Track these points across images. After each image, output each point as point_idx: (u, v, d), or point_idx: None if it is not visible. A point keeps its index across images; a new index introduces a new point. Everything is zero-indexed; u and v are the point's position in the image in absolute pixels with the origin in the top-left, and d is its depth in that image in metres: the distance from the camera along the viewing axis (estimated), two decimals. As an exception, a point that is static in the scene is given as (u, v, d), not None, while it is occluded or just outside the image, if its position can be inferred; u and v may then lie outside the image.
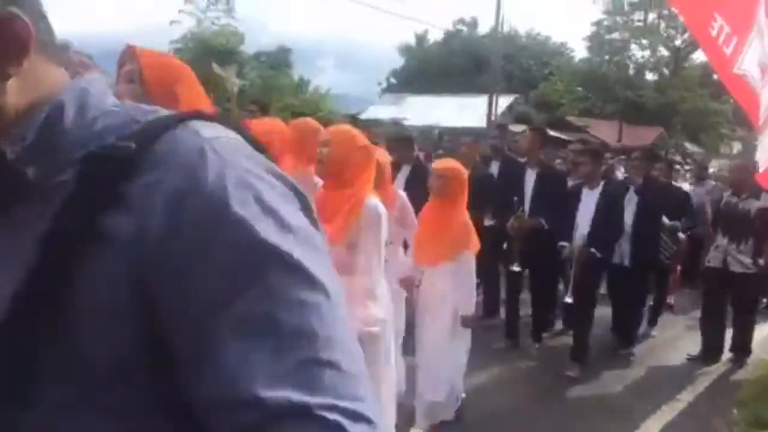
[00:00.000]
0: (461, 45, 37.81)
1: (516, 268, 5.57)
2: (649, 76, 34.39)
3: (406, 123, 16.87)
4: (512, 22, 39.90)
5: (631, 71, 33.50)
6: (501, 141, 7.02)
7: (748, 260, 5.56)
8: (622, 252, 5.70)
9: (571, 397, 4.85)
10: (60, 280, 0.59)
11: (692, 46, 30.28)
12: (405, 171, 5.80)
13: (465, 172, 3.88)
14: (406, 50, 40.40)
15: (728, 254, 5.63)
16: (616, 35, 33.78)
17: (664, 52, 34.22)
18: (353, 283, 2.69)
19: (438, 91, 29.48)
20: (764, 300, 7.39)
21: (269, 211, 0.62)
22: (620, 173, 8.61)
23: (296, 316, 0.59)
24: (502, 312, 6.15)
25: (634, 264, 5.74)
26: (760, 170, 4.00)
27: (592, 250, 5.07)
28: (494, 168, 6.48)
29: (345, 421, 0.57)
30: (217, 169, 0.61)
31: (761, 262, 5.50)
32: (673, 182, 7.64)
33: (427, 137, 9.13)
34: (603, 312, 5.87)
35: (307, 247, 0.63)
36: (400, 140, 6.25)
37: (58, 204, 0.60)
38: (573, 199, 5.39)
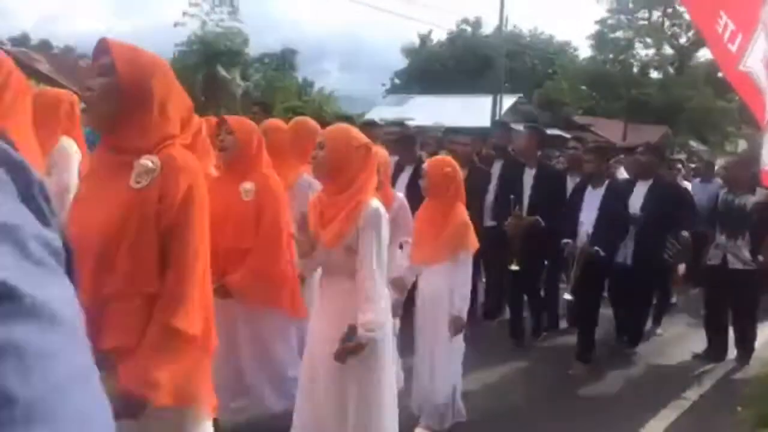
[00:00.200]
0: (465, 45, 37.78)
1: (515, 267, 5.55)
2: (654, 75, 34.13)
3: (410, 123, 16.82)
4: (516, 21, 39.90)
5: (636, 70, 33.28)
6: (505, 140, 6.83)
7: (747, 256, 5.53)
8: (627, 251, 5.67)
9: (576, 396, 4.83)
10: None
11: (697, 44, 30.11)
12: (408, 171, 5.77)
13: (457, 171, 3.81)
14: (410, 51, 40.37)
15: (728, 252, 5.61)
16: (620, 34, 33.55)
17: (668, 50, 34.01)
18: (352, 286, 2.65)
19: (442, 92, 29.39)
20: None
21: None
22: (620, 173, 8.53)
23: None
24: (507, 312, 6.14)
25: (638, 263, 5.71)
26: (766, 168, 3.99)
27: (596, 248, 5.05)
28: (496, 167, 6.29)
29: None
30: None
31: (761, 258, 5.47)
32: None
33: (431, 135, 9.06)
34: (607, 311, 5.86)
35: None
36: (402, 140, 6.20)
37: None
38: (577, 197, 5.37)
